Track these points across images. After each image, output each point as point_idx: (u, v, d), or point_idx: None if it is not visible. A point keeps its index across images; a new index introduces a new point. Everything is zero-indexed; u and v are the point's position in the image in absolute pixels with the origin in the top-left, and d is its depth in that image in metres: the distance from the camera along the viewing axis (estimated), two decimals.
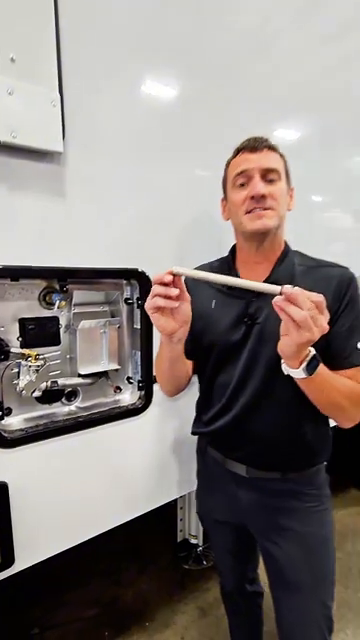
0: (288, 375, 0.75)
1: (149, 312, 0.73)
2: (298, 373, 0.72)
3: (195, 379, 1.01)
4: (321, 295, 0.64)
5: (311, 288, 0.81)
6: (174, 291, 0.69)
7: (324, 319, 0.65)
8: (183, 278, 0.71)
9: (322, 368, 0.75)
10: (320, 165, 1.48)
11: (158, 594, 1.69)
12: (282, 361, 0.73)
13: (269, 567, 1.02)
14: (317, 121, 1.42)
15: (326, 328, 0.66)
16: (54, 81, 0.78)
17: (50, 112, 0.78)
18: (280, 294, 0.63)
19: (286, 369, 0.74)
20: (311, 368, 0.71)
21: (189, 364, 0.95)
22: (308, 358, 0.71)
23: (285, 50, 1.25)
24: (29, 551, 0.93)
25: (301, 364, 0.71)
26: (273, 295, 0.64)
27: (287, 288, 0.63)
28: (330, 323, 0.74)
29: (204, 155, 1.09)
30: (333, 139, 1.50)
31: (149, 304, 0.71)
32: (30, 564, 0.94)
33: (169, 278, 0.70)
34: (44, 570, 1.11)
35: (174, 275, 0.70)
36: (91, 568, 1.81)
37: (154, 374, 1.04)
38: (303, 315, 0.62)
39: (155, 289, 0.70)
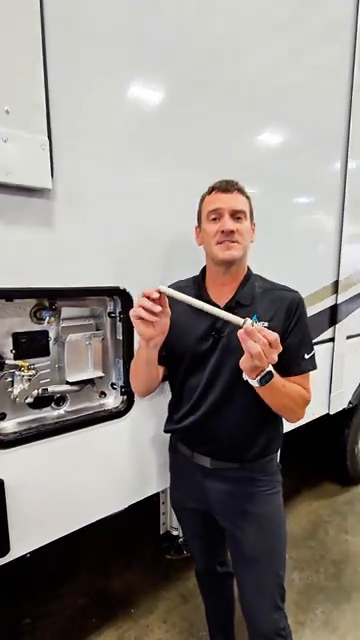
0: (247, 381, 0.90)
1: (132, 319, 0.86)
2: (253, 382, 0.86)
3: (164, 386, 1.15)
4: (276, 334, 0.79)
5: (267, 307, 0.97)
6: (157, 308, 0.83)
7: (275, 352, 0.79)
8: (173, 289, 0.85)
9: (276, 378, 0.89)
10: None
11: (143, 584, 1.81)
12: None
13: (231, 545, 1.17)
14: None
15: (275, 360, 0.80)
16: (43, 128, 0.89)
17: (40, 155, 0.90)
18: (242, 327, 0.78)
19: (245, 377, 0.88)
20: (264, 381, 0.86)
21: (161, 369, 1.08)
22: (263, 373, 0.85)
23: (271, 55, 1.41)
24: (23, 541, 1.04)
25: (257, 377, 0.85)
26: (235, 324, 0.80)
27: (247, 324, 0.78)
28: (283, 337, 0.90)
29: (184, 184, 1.22)
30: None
31: (134, 312, 0.85)
32: (23, 552, 1.05)
33: (156, 295, 0.84)
34: (35, 565, 1.22)
35: (160, 293, 0.84)
36: (80, 562, 1.92)
37: None
38: (257, 350, 0.77)
39: (141, 301, 0.84)
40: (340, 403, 2.14)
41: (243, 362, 0.83)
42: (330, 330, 1.97)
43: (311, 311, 1.81)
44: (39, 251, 0.96)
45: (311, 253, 1.83)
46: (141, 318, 0.84)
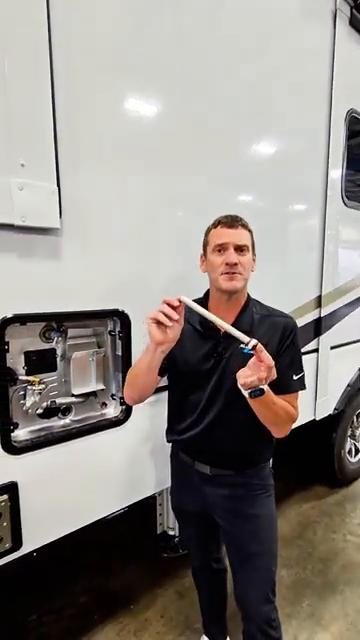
0: (244, 399, 1.00)
1: (149, 321, 0.92)
2: (245, 393, 0.97)
3: (159, 397, 1.28)
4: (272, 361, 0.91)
5: (264, 332, 1.09)
6: (176, 316, 0.91)
7: (270, 378, 0.93)
8: (185, 307, 0.95)
9: (267, 394, 0.97)
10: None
11: (141, 581, 1.93)
12: None
13: (228, 543, 1.29)
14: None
15: (272, 377, 0.93)
16: (53, 177, 1.04)
17: (50, 200, 1.04)
18: (247, 344, 0.89)
19: (239, 386, 0.98)
20: (254, 395, 0.95)
21: (157, 379, 1.13)
22: (254, 387, 0.94)
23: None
24: (33, 537, 1.16)
25: (248, 388, 0.95)
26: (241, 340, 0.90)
27: (258, 344, 0.89)
28: (276, 359, 1.02)
29: (181, 219, 1.38)
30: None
31: (152, 315, 0.92)
32: (34, 548, 1.17)
33: (176, 303, 0.92)
34: (39, 565, 1.33)
35: (180, 302, 0.94)
36: (81, 562, 2.03)
37: None
38: (269, 363, 0.90)
39: (163, 307, 0.92)
40: (326, 409, 2.27)
41: (241, 374, 0.93)
42: (315, 342, 2.12)
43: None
44: (49, 280, 1.10)
45: (296, 270, 1.98)
46: (158, 322, 0.91)
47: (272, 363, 0.91)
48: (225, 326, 0.94)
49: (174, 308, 0.92)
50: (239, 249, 1.06)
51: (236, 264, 1.04)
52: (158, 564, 1.99)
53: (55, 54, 1.01)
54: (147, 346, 1.01)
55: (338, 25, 1.89)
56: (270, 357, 0.91)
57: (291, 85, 1.75)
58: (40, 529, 1.18)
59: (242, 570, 1.25)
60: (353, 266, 2.33)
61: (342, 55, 1.92)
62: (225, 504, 1.21)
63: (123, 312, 1.27)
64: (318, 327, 2.11)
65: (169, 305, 0.92)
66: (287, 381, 1.11)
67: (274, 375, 0.92)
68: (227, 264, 1.04)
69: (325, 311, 2.12)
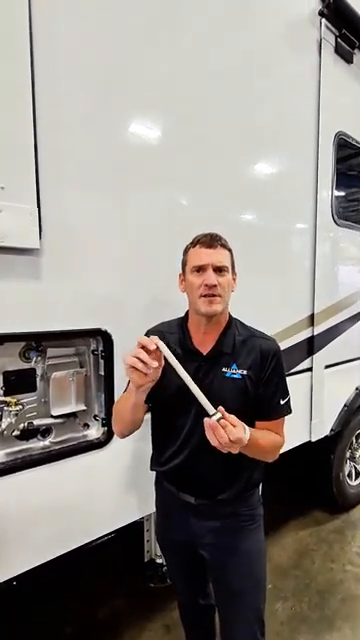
0: None
1: (126, 366, 0.88)
2: None
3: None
4: (238, 435, 0.87)
5: (246, 355, 1.07)
6: (154, 364, 0.87)
7: (235, 447, 0.88)
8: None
9: (251, 437, 0.92)
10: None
11: (127, 613, 1.83)
12: None
13: (213, 578, 1.23)
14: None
15: (243, 443, 0.89)
16: (33, 199, 1.06)
17: (29, 221, 1.05)
18: (212, 416, 0.87)
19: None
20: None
21: (145, 412, 1.10)
22: None
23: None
24: (8, 566, 1.12)
25: None
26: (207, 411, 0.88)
27: (214, 418, 0.87)
28: (258, 385, 1.02)
29: (161, 240, 1.38)
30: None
31: (129, 361, 0.87)
32: (10, 576, 1.13)
33: (153, 347, 0.87)
34: (21, 594, 1.27)
35: (157, 347, 0.88)
36: (66, 591, 1.95)
37: None
38: (225, 440, 0.86)
39: (138, 353, 0.87)
40: (321, 430, 2.21)
41: (210, 432, 0.87)
42: (308, 360, 2.08)
43: (288, 343, 1.94)
44: (28, 300, 1.10)
45: (288, 289, 1.98)
46: (135, 367, 0.87)
47: (240, 436, 0.87)
48: (195, 391, 0.90)
49: (150, 352, 0.88)
50: (218, 270, 1.03)
51: (215, 285, 1.01)
52: (145, 595, 1.91)
53: (37, 77, 1.04)
54: (129, 388, 0.99)
55: (324, 53, 1.95)
56: (235, 431, 0.87)
57: (281, 110, 1.80)
58: (16, 557, 1.14)
59: (228, 607, 1.18)
60: (346, 284, 2.32)
61: (328, 81, 1.97)
62: (211, 536, 1.14)
63: (105, 332, 1.26)
64: (311, 346, 2.08)
65: (145, 349, 0.87)
66: (274, 407, 1.09)
67: (244, 442, 0.88)
68: (206, 285, 1.02)
69: (318, 329, 2.10)
